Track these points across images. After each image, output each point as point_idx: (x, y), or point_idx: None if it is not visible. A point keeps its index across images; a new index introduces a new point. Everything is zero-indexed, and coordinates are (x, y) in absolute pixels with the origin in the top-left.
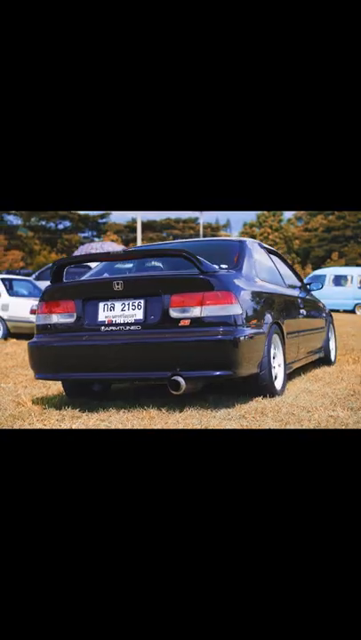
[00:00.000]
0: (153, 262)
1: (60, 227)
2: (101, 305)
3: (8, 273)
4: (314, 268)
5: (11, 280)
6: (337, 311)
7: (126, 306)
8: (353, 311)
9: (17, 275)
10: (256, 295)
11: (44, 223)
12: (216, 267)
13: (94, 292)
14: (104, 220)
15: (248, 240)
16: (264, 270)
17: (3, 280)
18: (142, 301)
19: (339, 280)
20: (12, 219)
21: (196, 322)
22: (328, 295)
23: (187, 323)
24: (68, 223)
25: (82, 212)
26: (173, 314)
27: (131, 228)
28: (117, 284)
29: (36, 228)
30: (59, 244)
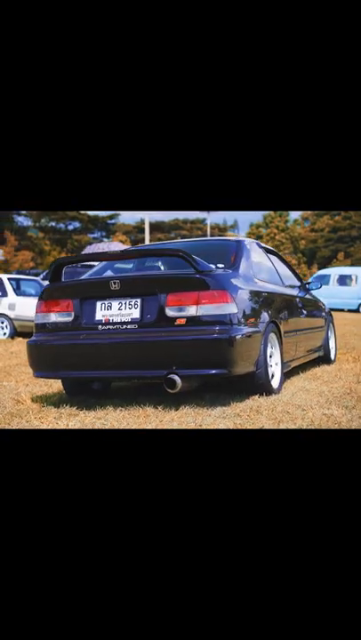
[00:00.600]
0: (153, 262)
1: (70, 227)
2: (99, 304)
3: (18, 273)
4: (320, 268)
5: (18, 280)
6: (341, 310)
7: (123, 305)
8: (357, 310)
9: (27, 275)
10: (253, 294)
11: (54, 224)
12: (212, 266)
13: (92, 292)
14: (113, 221)
15: (246, 240)
16: (262, 270)
17: (10, 280)
18: (139, 300)
19: (343, 280)
20: (23, 220)
21: (192, 321)
22: (333, 295)
23: (183, 321)
24: (77, 224)
25: (91, 213)
26: (170, 313)
27: (139, 228)
28: (114, 284)
29: (46, 229)
30: (68, 245)
